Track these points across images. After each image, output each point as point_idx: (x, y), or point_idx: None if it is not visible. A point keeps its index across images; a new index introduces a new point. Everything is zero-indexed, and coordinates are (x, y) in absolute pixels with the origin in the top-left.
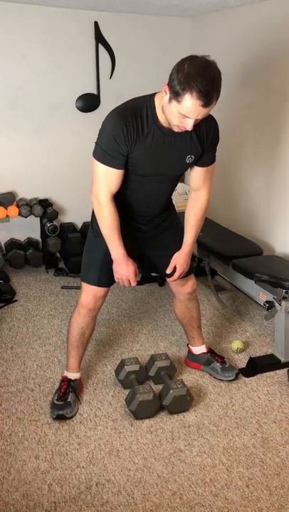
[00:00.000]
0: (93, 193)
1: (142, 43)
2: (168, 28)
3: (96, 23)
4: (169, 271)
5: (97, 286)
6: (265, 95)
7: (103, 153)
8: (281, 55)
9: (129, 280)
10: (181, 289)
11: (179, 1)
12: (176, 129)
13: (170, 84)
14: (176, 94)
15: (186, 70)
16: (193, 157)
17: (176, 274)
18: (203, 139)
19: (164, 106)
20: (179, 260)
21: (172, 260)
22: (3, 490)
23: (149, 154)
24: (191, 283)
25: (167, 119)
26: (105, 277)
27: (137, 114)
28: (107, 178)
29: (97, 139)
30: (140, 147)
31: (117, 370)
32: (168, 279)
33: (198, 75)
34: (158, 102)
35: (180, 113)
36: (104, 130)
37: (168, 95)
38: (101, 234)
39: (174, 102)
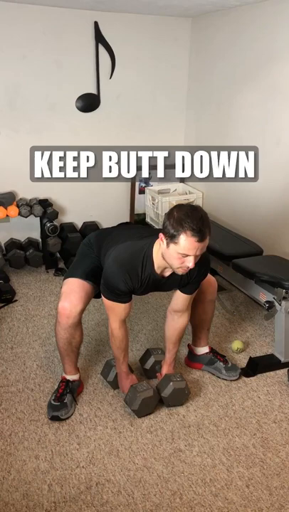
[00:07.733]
0: (108, 320)
1: (141, 43)
2: (168, 28)
3: (96, 23)
4: (159, 379)
5: (85, 279)
6: (266, 95)
7: (109, 293)
8: (281, 54)
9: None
10: (202, 294)
11: (179, 1)
12: (180, 272)
13: (164, 231)
14: (172, 237)
15: (175, 215)
16: (180, 286)
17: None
18: (193, 275)
19: (163, 253)
20: (167, 370)
21: (162, 372)
22: (3, 490)
23: (144, 291)
24: (212, 288)
25: (169, 264)
26: (93, 277)
27: (134, 267)
28: (116, 310)
29: (102, 283)
30: (137, 288)
31: (104, 372)
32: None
33: (187, 217)
34: (156, 249)
35: (180, 253)
36: (106, 280)
37: (165, 241)
38: (97, 251)
39: (172, 245)
